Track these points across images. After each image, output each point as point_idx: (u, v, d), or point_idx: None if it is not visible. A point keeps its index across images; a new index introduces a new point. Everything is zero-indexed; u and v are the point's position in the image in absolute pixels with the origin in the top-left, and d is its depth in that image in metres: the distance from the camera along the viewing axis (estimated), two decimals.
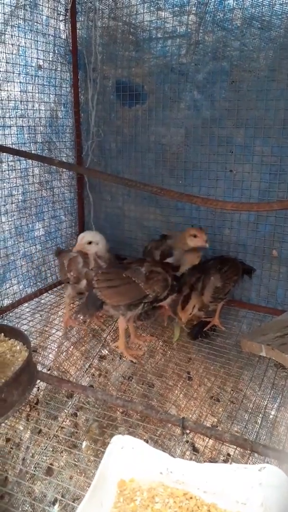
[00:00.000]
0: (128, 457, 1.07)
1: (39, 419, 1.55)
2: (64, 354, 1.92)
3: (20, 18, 2.13)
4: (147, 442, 1.46)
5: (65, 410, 1.60)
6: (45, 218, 2.52)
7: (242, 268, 2.16)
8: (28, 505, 1.33)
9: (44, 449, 1.46)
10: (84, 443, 1.46)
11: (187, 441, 1.45)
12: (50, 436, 1.50)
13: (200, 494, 1.03)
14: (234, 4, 2.03)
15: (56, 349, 1.95)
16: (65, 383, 1.55)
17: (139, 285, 1.77)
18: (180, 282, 1.91)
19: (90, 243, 1.93)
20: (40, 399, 1.64)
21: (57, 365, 1.84)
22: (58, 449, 1.46)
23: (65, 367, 1.84)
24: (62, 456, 1.43)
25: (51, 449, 1.46)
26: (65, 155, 2.59)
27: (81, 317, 2.16)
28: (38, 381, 1.57)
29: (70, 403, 1.64)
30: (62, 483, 1.34)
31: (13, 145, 2.18)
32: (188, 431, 1.36)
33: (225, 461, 1.37)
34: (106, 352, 1.95)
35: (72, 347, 1.95)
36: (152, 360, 1.89)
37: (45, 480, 1.37)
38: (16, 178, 2.26)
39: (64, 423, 1.56)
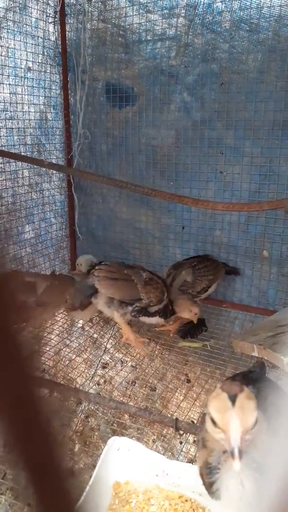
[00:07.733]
0: (124, 459, 1.06)
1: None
2: (67, 362, 1.90)
3: (9, 20, 2.11)
4: (154, 442, 1.46)
5: (77, 416, 1.61)
6: (35, 220, 2.49)
7: (225, 269, 2.17)
8: None
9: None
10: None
11: (194, 441, 1.44)
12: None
13: (195, 496, 1.02)
14: (223, 7, 2.04)
15: (55, 356, 1.93)
16: (58, 386, 1.55)
17: (137, 286, 1.80)
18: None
19: None
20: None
21: (63, 374, 1.83)
22: (76, 453, 1.47)
23: (71, 376, 1.83)
24: (81, 459, 1.45)
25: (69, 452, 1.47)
26: (55, 157, 2.58)
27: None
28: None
29: (79, 409, 1.65)
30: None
31: (3, 147, 2.16)
32: (182, 432, 1.36)
33: None
34: (108, 358, 1.95)
35: (74, 355, 1.94)
36: (152, 364, 1.90)
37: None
38: (5, 180, 2.24)
39: (76, 427, 1.57)
